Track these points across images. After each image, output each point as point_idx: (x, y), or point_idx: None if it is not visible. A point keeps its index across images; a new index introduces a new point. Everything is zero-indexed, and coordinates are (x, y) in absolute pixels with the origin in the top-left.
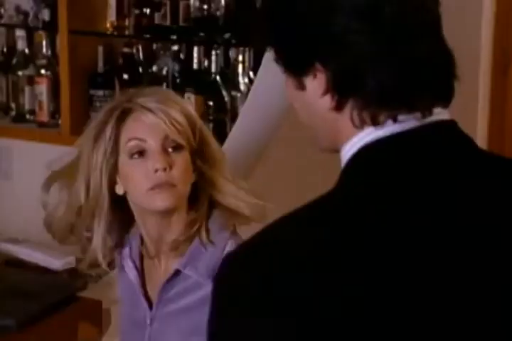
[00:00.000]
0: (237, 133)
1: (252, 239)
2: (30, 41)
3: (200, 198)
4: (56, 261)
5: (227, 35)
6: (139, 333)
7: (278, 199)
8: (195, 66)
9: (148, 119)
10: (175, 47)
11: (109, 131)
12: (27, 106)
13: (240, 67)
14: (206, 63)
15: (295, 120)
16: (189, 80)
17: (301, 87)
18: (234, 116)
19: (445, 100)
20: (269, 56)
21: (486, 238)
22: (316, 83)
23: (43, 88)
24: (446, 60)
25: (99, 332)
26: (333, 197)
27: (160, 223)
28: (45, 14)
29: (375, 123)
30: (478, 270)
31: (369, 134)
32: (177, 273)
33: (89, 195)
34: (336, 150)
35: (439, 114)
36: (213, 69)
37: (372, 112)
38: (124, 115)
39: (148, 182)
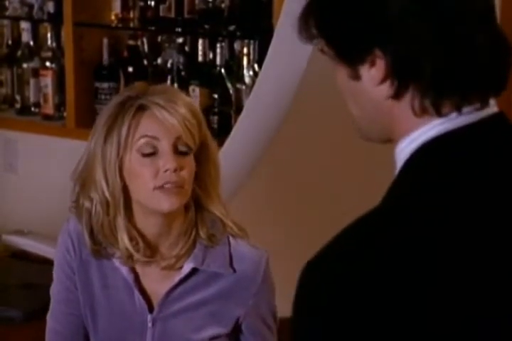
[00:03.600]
0: (241, 127)
1: (324, 248)
2: (35, 33)
3: (189, 201)
4: None
5: (232, 28)
6: (134, 337)
7: (280, 198)
8: (200, 58)
9: (164, 118)
10: (180, 40)
11: (122, 126)
12: (32, 99)
13: (245, 59)
14: (211, 56)
15: (297, 118)
16: (194, 73)
17: (356, 76)
18: (239, 109)
19: (498, 90)
20: (273, 48)
21: None
22: (373, 71)
23: (47, 80)
24: (502, 48)
25: None
26: (400, 202)
27: (161, 223)
28: (50, 6)
29: (438, 112)
30: None
31: (432, 129)
32: (189, 272)
33: (110, 190)
34: (389, 141)
35: (493, 105)
36: (218, 61)
37: (434, 100)
38: (137, 111)
39: (156, 181)
